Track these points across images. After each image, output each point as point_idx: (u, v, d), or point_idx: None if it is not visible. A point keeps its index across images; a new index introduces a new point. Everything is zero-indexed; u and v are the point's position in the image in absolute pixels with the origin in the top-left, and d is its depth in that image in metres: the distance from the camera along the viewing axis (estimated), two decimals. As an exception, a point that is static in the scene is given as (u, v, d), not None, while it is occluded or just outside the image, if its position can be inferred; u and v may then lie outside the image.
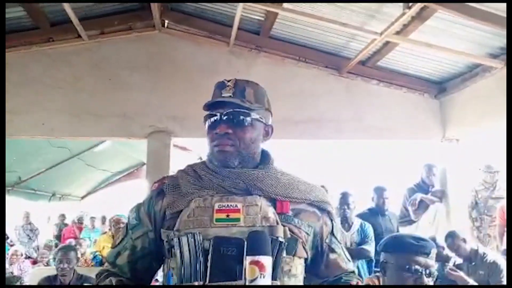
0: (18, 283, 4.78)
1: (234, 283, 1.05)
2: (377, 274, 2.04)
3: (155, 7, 3.98)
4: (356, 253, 3.61)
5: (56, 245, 6.60)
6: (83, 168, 8.26)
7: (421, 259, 1.68)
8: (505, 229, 4.20)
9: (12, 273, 5.21)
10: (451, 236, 3.64)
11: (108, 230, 6.10)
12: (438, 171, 4.59)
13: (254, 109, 1.24)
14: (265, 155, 1.31)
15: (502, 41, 3.54)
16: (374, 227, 3.87)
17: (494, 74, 3.78)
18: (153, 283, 2.89)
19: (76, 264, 3.63)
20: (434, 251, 1.73)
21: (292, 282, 1.16)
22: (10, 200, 7.30)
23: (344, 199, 3.83)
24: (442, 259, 3.64)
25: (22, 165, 6.89)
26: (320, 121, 4.39)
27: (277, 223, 1.15)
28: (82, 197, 10.84)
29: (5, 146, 3.62)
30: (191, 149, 6.89)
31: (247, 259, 1.04)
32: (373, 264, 3.78)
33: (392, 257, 1.75)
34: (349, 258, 1.35)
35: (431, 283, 1.69)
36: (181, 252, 1.11)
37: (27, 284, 4.82)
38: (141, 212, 1.28)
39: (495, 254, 3.73)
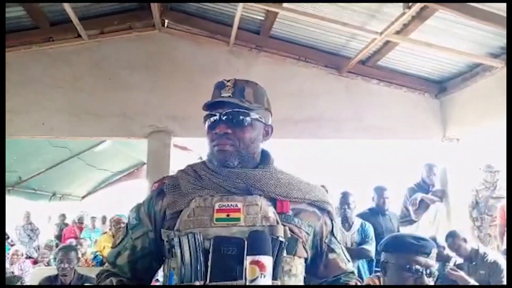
0: (18, 283, 4.78)
1: (234, 283, 1.05)
2: (378, 274, 2.05)
3: (155, 6, 3.97)
4: (356, 253, 3.62)
5: (57, 245, 6.61)
6: (83, 168, 8.26)
7: (421, 259, 1.68)
8: (506, 228, 4.20)
9: (12, 273, 5.22)
10: (452, 236, 3.64)
11: (108, 230, 6.10)
12: (439, 171, 4.59)
13: (254, 109, 1.23)
14: (265, 155, 1.31)
15: (503, 41, 3.53)
16: (374, 227, 3.87)
17: (495, 74, 3.78)
18: (153, 283, 2.89)
19: (76, 264, 3.63)
20: (434, 251, 1.73)
21: (292, 281, 1.16)
22: (11, 200, 7.29)
23: (344, 198, 3.83)
24: (443, 259, 3.64)
25: (22, 165, 6.89)
26: (320, 121, 4.39)
27: (277, 223, 1.15)
28: (83, 197, 10.84)
29: (5, 146, 3.62)
30: (191, 148, 6.88)
31: (248, 259, 1.04)
32: (374, 264, 3.78)
33: (393, 257, 1.75)
34: (349, 258, 1.34)
35: (432, 283, 1.68)
36: (181, 252, 1.11)
37: (28, 284, 4.82)
38: (141, 212, 1.28)
39: (496, 254, 3.73)
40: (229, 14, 4.06)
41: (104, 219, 8.56)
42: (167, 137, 4.26)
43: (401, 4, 3.27)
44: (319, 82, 4.48)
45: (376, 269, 3.47)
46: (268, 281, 1.03)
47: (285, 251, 1.12)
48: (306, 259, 1.23)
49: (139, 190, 6.39)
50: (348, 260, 1.34)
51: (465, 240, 3.61)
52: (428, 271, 1.67)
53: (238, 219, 1.14)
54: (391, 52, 4.09)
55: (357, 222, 3.82)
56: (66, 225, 9.26)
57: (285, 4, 3.58)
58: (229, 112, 1.21)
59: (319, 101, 4.42)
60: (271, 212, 1.16)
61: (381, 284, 1.92)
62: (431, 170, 4.59)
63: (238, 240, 1.09)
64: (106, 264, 1.32)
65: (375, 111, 4.46)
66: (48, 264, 5.70)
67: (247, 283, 1.03)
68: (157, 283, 3.09)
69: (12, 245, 6.66)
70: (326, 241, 1.28)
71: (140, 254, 1.26)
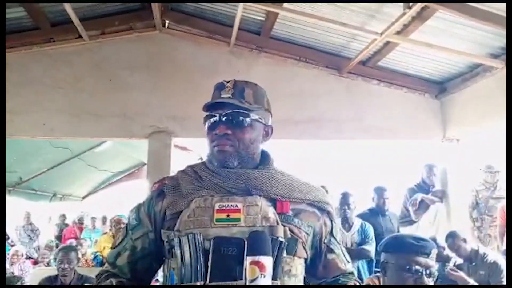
0: (18, 283, 4.79)
1: (234, 283, 1.05)
2: (378, 274, 2.05)
3: (155, 7, 3.98)
4: (356, 253, 3.62)
5: (57, 246, 6.61)
6: (84, 168, 8.26)
7: (421, 259, 1.68)
8: (506, 229, 4.20)
9: (12, 273, 5.22)
10: (452, 236, 3.64)
11: (108, 230, 6.10)
12: (439, 171, 4.59)
13: (253, 110, 1.24)
14: (265, 156, 1.31)
15: (503, 41, 3.53)
16: (374, 227, 3.87)
17: (495, 74, 3.78)
18: (153, 283, 2.89)
19: (76, 265, 3.63)
20: (434, 251, 1.73)
21: (292, 282, 1.16)
22: (11, 200, 7.30)
23: (344, 199, 3.84)
24: (443, 259, 3.64)
25: (22, 165, 6.89)
26: (320, 121, 4.39)
27: (277, 223, 1.15)
28: (83, 198, 10.84)
29: (5, 146, 3.62)
30: (191, 149, 6.88)
31: (248, 259, 1.05)
32: (374, 264, 3.78)
33: (393, 257, 1.75)
34: (349, 259, 1.34)
35: (432, 283, 1.68)
36: (181, 253, 1.11)
37: (28, 284, 4.82)
38: (141, 213, 1.28)
39: (496, 254, 3.73)
40: (230, 14, 4.07)
41: (104, 219, 8.56)
42: (168, 137, 4.26)
43: (401, 4, 3.28)
44: (319, 82, 4.48)
45: (376, 269, 3.47)
46: (268, 281, 1.04)
47: (285, 252, 1.13)
48: (306, 260, 1.23)
49: (139, 190, 6.39)
50: (348, 261, 1.33)
51: (465, 241, 3.61)
52: (428, 271, 1.67)
53: (238, 220, 1.14)
54: (391, 52, 4.09)
55: (357, 223, 3.83)
56: (66, 225, 9.25)
57: (285, 5, 3.58)
58: (229, 113, 1.21)
59: (320, 102, 4.43)
60: (271, 212, 1.16)
61: (381, 284, 1.92)
62: (431, 171, 4.59)
63: (238, 240, 1.09)
64: (106, 265, 1.32)
65: (376, 112, 4.47)
66: (48, 264, 5.70)
67: (247, 283, 1.03)
68: (157, 283, 3.09)
69: (12, 246, 6.67)
70: (326, 241, 1.28)
71: (140, 255, 1.26)
